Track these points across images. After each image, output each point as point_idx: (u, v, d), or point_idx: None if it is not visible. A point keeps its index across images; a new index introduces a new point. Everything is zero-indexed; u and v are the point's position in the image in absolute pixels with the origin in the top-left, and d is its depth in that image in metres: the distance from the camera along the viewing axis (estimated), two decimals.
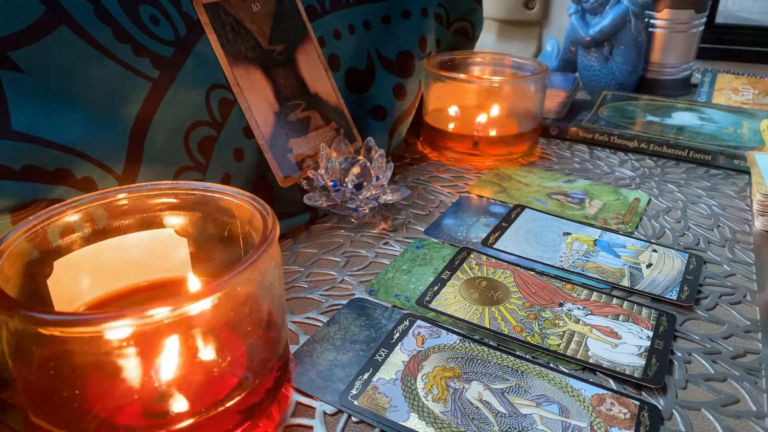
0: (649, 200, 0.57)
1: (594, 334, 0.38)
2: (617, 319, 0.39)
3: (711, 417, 0.32)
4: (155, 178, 0.40)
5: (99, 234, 0.33)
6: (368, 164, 0.50)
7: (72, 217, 0.32)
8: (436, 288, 0.42)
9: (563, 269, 0.45)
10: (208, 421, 0.27)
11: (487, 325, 0.38)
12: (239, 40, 0.47)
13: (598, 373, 0.35)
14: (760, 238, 0.51)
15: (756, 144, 0.66)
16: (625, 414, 0.32)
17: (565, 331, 0.38)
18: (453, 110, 0.66)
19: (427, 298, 0.41)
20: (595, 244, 0.48)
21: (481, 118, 0.64)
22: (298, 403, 0.33)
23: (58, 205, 0.32)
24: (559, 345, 0.37)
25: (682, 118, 0.74)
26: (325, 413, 0.32)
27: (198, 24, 0.44)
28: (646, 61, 0.88)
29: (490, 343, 0.37)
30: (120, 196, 0.33)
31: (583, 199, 0.56)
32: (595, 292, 0.42)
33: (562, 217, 0.53)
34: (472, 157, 0.64)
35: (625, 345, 0.37)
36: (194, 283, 0.36)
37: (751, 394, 0.34)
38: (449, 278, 0.43)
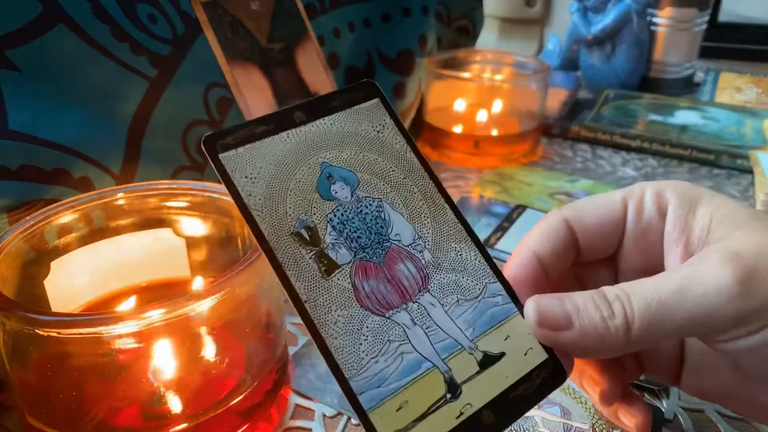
0: None
1: None
2: None
3: (714, 418, 0.32)
4: (153, 177, 0.40)
5: (96, 234, 0.33)
6: None
7: (69, 217, 0.32)
8: None
9: None
10: (207, 423, 0.27)
11: None
12: (238, 39, 0.47)
13: None
14: None
15: (759, 143, 0.65)
16: None
17: None
18: (454, 109, 0.65)
19: None
20: None
21: (483, 117, 0.64)
22: (298, 405, 0.32)
23: (55, 205, 0.31)
24: None
25: (684, 117, 0.74)
26: (324, 415, 0.32)
27: (196, 22, 0.43)
28: (648, 60, 0.88)
29: None
30: (117, 196, 0.33)
31: None
32: None
33: None
34: (473, 156, 0.64)
35: None
36: (192, 284, 0.36)
37: None
38: None
